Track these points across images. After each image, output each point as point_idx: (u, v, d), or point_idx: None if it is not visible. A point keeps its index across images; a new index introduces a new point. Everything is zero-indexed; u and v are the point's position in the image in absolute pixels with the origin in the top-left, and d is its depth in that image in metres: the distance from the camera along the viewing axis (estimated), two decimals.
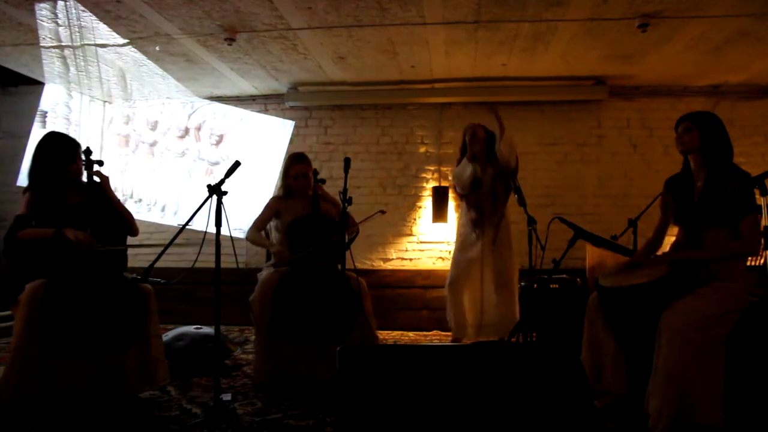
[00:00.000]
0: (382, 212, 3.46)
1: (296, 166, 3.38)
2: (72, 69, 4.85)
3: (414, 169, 5.52)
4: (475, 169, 3.78)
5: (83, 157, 2.82)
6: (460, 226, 4.03)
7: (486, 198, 3.83)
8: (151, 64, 4.74)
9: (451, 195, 5.34)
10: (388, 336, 4.79)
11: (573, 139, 5.40)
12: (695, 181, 2.45)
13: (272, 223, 3.51)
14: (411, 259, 5.45)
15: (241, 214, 5.42)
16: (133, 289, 2.70)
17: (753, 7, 3.54)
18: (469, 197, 3.88)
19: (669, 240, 2.73)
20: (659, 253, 2.71)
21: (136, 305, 2.67)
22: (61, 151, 2.74)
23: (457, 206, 5.33)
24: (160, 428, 2.35)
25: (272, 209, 3.42)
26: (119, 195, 5.63)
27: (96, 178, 2.84)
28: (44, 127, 5.44)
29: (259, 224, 3.39)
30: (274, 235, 3.50)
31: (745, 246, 2.28)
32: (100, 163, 2.87)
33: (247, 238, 3.36)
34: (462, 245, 3.93)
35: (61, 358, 2.46)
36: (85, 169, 2.82)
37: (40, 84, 5.33)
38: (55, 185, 2.71)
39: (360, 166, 5.48)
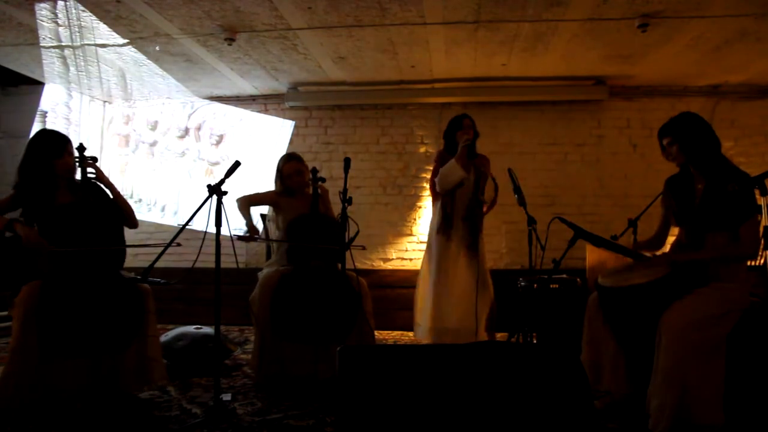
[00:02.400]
0: (363, 248, 3.39)
1: (287, 165, 3.42)
2: (72, 69, 4.85)
3: (414, 169, 5.52)
4: (462, 171, 3.53)
5: (76, 153, 2.77)
6: (431, 228, 3.78)
7: (463, 199, 3.63)
8: (151, 64, 4.74)
9: (426, 193, 5.25)
10: (388, 336, 4.79)
11: (573, 139, 5.40)
12: (696, 182, 2.45)
13: (271, 223, 3.52)
14: (411, 259, 5.45)
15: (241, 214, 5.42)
16: (131, 289, 2.69)
17: (753, 7, 3.54)
18: (445, 197, 3.65)
19: (671, 239, 2.73)
20: (660, 252, 2.70)
21: (133, 305, 2.67)
22: (47, 146, 2.70)
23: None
24: (160, 428, 2.35)
25: (270, 198, 3.46)
26: None
27: (90, 174, 2.79)
28: (44, 127, 5.45)
29: (253, 198, 3.44)
30: (274, 233, 3.50)
31: (745, 250, 2.28)
32: (94, 159, 2.82)
33: (238, 201, 3.36)
34: (436, 247, 3.66)
35: (59, 359, 2.46)
36: (79, 167, 2.77)
37: (40, 84, 5.33)
38: (41, 182, 2.67)
39: (360, 166, 5.48)
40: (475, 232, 3.60)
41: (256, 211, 3.63)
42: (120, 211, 2.84)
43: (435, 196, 3.79)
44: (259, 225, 3.94)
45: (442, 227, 3.63)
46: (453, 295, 3.58)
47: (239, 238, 3.18)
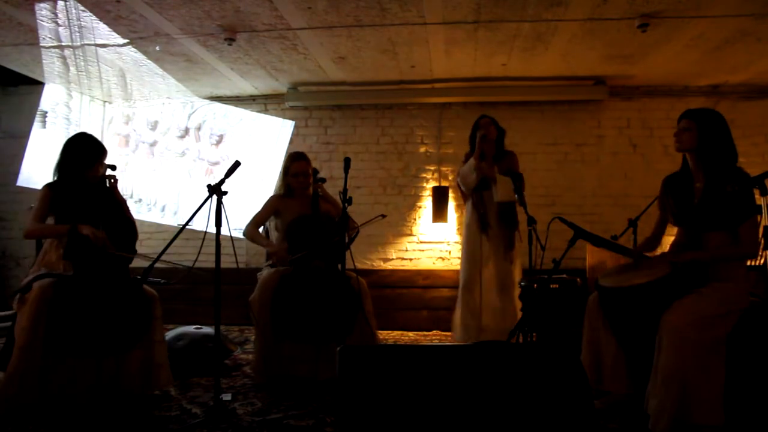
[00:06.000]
0: (383, 216, 3.44)
1: (295, 164, 3.40)
2: (72, 69, 4.84)
3: (414, 169, 5.52)
4: (481, 169, 3.73)
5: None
6: (465, 226, 3.97)
7: (492, 198, 3.77)
8: (151, 64, 4.74)
9: (451, 195, 5.33)
10: (388, 336, 4.79)
11: (573, 139, 5.40)
12: (694, 181, 2.45)
13: (272, 223, 3.52)
14: (411, 259, 5.45)
15: (241, 214, 5.42)
16: (139, 293, 2.71)
17: (753, 7, 3.54)
18: (475, 197, 3.82)
19: (668, 239, 2.73)
20: (658, 252, 2.71)
21: (141, 309, 2.69)
22: (85, 154, 2.81)
23: (458, 206, 5.34)
24: (160, 428, 2.35)
25: (272, 208, 3.44)
26: None
27: (107, 183, 2.88)
28: (44, 127, 5.44)
29: (258, 221, 3.41)
30: (274, 235, 3.50)
31: (745, 250, 2.29)
32: (113, 167, 2.91)
33: (245, 234, 3.36)
34: (467, 246, 3.87)
35: (65, 358, 2.47)
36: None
37: (40, 84, 5.32)
38: (76, 187, 2.76)
39: (360, 166, 5.48)
40: (510, 233, 3.73)
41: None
42: (129, 221, 2.90)
43: (464, 196, 3.95)
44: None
45: (480, 227, 3.75)
46: (477, 295, 3.70)
47: (291, 262, 3.15)
